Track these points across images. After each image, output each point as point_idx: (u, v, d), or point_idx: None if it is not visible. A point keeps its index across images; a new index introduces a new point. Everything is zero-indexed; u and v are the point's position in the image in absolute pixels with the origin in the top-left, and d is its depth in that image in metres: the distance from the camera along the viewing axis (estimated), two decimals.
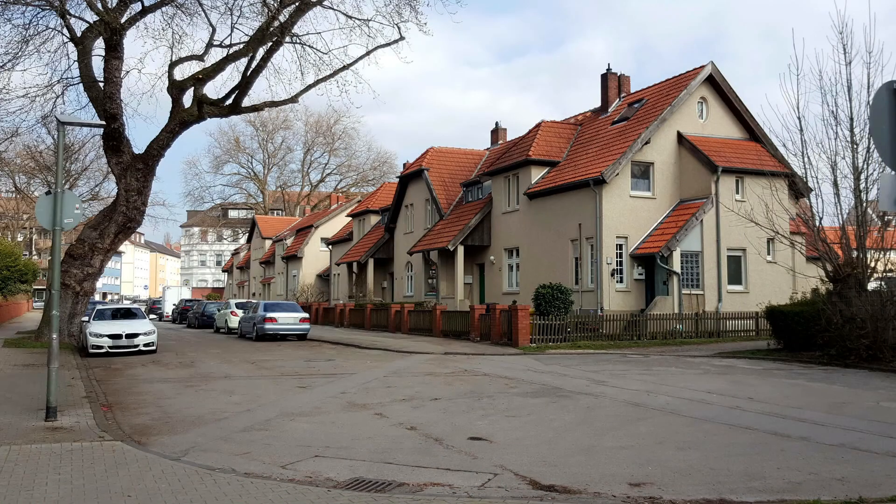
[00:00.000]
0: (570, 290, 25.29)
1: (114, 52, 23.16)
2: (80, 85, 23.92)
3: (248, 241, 77.37)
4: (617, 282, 26.84)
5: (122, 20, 23.39)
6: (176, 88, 24.34)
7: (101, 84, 23.31)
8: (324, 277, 55.58)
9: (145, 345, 21.24)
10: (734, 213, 24.30)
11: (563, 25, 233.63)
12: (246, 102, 25.61)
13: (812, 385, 14.25)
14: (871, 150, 17.84)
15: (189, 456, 8.24)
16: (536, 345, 22.63)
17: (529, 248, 30.61)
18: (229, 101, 24.89)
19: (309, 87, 25.88)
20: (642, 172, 27.89)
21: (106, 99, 22.86)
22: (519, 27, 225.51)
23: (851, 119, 18.25)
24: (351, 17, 25.93)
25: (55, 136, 35.32)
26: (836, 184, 18.75)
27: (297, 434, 9.59)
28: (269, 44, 24.32)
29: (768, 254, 27.65)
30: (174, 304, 56.76)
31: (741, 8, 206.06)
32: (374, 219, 46.55)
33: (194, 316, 42.69)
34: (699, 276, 26.98)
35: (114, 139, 23.43)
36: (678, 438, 9.20)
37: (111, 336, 20.87)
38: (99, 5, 22.87)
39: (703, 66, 28.70)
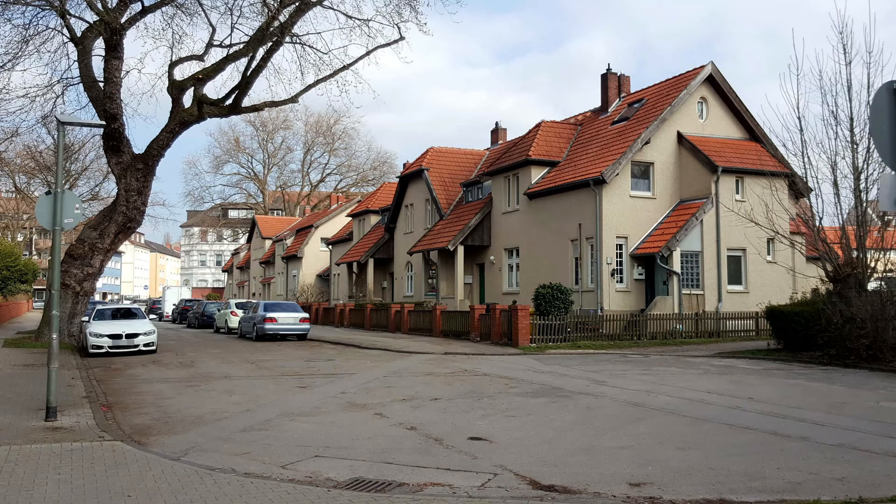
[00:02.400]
0: (570, 290, 25.29)
1: (114, 52, 23.15)
2: (80, 85, 23.91)
3: (248, 241, 77.37)
4: (617, 282, 26.83)
5: (122, 20, 23.38)
6: (176, 88, 24.33)
7: (101, 84, 23.30)
8: (324, 277, 55.58)
9: (145, 345, 21.24)
10: (734, 213, 24.31)
11: (563, 25, 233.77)
12: (246, 102, 25.61)
13: (812, 385, 14.25)
14: (871, 150, 17.85)
15: (189, 456, 8.24)
16: (536, 345, 22.63)
17: (529, 248, 30.60)
18: (229, 101, 24.88)
19: (309, 87, 25.89)
20: (642, 172, 27.89)
21: (106, 99, 22.86)
22: (519, 27, 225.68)
23: (851, 119, 18.25)
24: (351, 17, 25.98)
25: (55, 136, 35.33)
26: (836, 184, 18.76)
27: (297, 434, 9.58)
28: (269, 44, 24.32)
29: (768, 254, 27.66)
30: (174, 304, 56.75)
31: (741, 8, 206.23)
32: (374, 219, 46.55)
33: (194, 316, 42.68)
34: (699, 276, 26.97)
35: (114, 139, 23.43)
36: (678, 438, 9.20)
37: (111, 336, 20.87)
38: (99, 5, 22.87)
39: (703, 66, 28.70)
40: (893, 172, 6.11)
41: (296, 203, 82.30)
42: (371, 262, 42.94)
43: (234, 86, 24.87)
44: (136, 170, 23.77)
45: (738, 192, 27.27)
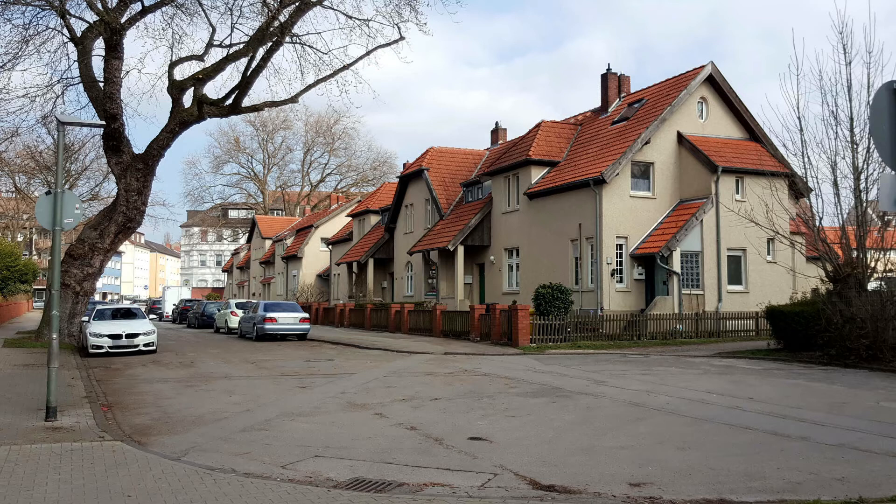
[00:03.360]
0: (570, 290, 25.28)
1: (114, 52, 23.15)
2: (80, 85, 23.91)
3: (248, 241, 77.37)
4: (617, 282, 26.83)
5: (122, 20, 23.37)
6: (176, 88, 24.33)
7: (101, 84, 23.29)
8: (324, 277, 55.58)
9: (145, 345, 21.24)
10: (734, 213, 24.31)
11: (563, 25, 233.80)
12: (246, 102, 25.59)
13: (812, 385, 14.25)
14: (871, 150, 17.85)
15: (189, 456, 8.24)
16: (536, 345, 22.63)
17: (529, 248, 30.60)
18: (229, 101, 24.87)
19: (309, 87, 25.88)
20: (642, 172, 27.89)
21: (106, 99, 22.85)
22: (519, 27, 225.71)
23: (851, 119, 18.25)
24: (351, 17, 25.96)
25: (55, 136, 35.31)
26: (836, 184, 18.77)
27: (297, 434, 9.59)
28: (269, 44, 24.31)
29: (768, 254, 27.65)
30: (174, 304, 56.74)
31: (741, 8, 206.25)
32: (374, 219, 46.55)
33: (194, 316, 42.67)
34: (699, 276, 26.97)
35: (114, 139, 23.43)
36: (678, 438, 9.20)
37: (111, 336, 20.87)
38: (99, 5, 22.87)
39: (702, 66, 28.69)
40: (893, 172, 6.10)
41: (296, 203, 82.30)
42: (371, 262, 42.94)
43: (234, 86, 24.87)
44: (136, 170, 23.76)
45: (738, 192, 27.27)
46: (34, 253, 78.94)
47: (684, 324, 25.20)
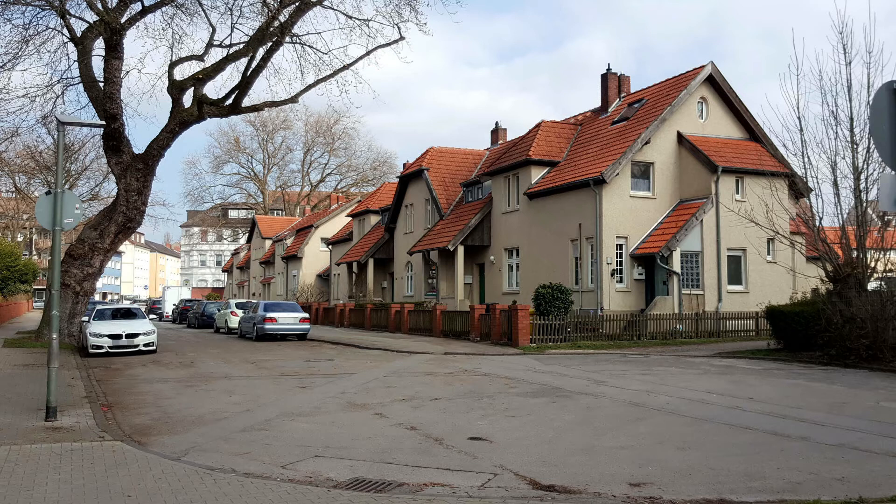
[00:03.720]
0: (570, 290, 25.28)
1: (114, 52, 23.15)
2: (80, 85, 23.91)
3: (248, 241, 77.37)
4: (617, 282, 26.83)
5: (122, 20, 23.37)
6: (176, 88, 24.33)
7: (101, 84, 23.30)
8: (324, 277, 55.59)
9: (145, 345, 21.24)
10: (734, 213, 24.31)
11: (563, 25, 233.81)
12: (246, 102, 25.59)
13: (812, 385, 14.25)
14: (871, 150, 17.85)
15: (189, 456, 8.24)
16: (536, 345, 22.63)
17: (529, 248, 30.60)
18: (229, 101, 24.87)
19: (309, 87, 25.88)
20: (642, 172, 27.89)
21: (106, 99, 22.85)
22: (519, 27, 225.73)
23: (851, 119, 18.26)
24: (351, 17, 25.96)
25: (55, 136, 35.32)
26: (836, 184, 18.77)
27: (297, 434, 9.59)
28: (269, 44, 24.32)
29: (768, 254, 27.66)
30: (174, 304, 56.73)
31: (741, 8, 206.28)
32: (374, 219, 46.56)
33: (194, 316, 42.68)
34: (699, 276, 26.97)
35: (114, 139, 23.43)
36: (678, 438, 9.20)
37: (111, 336, 20.86)
38: (99, 5, 22.87)
39: (703, 66, 28.70)
40: (893, 172, 6.10)
41: (296, 203, 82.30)
42: (371, 262, 42.94)
43: (234, 86, 24.87)
44: (136, 170, 23.76)
45: (738, 192, 27.27)
46: (34, 253, 78.96)
47: (684, 324, 25.20)
